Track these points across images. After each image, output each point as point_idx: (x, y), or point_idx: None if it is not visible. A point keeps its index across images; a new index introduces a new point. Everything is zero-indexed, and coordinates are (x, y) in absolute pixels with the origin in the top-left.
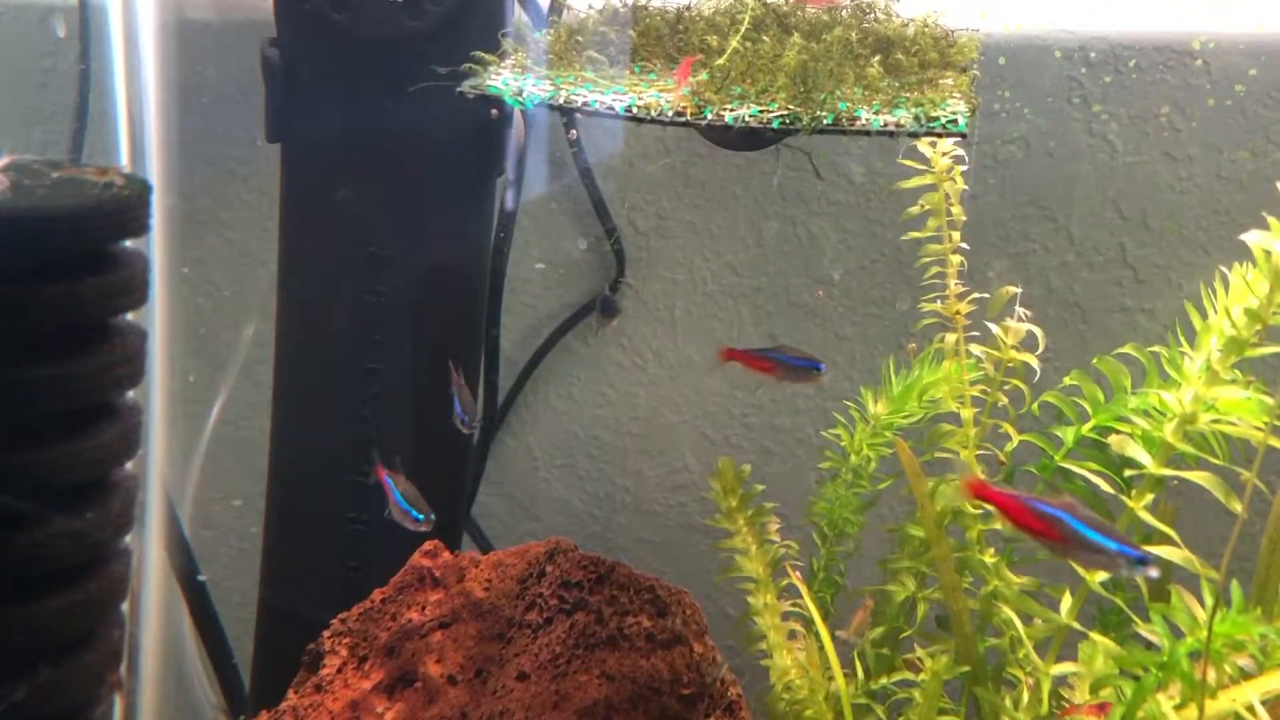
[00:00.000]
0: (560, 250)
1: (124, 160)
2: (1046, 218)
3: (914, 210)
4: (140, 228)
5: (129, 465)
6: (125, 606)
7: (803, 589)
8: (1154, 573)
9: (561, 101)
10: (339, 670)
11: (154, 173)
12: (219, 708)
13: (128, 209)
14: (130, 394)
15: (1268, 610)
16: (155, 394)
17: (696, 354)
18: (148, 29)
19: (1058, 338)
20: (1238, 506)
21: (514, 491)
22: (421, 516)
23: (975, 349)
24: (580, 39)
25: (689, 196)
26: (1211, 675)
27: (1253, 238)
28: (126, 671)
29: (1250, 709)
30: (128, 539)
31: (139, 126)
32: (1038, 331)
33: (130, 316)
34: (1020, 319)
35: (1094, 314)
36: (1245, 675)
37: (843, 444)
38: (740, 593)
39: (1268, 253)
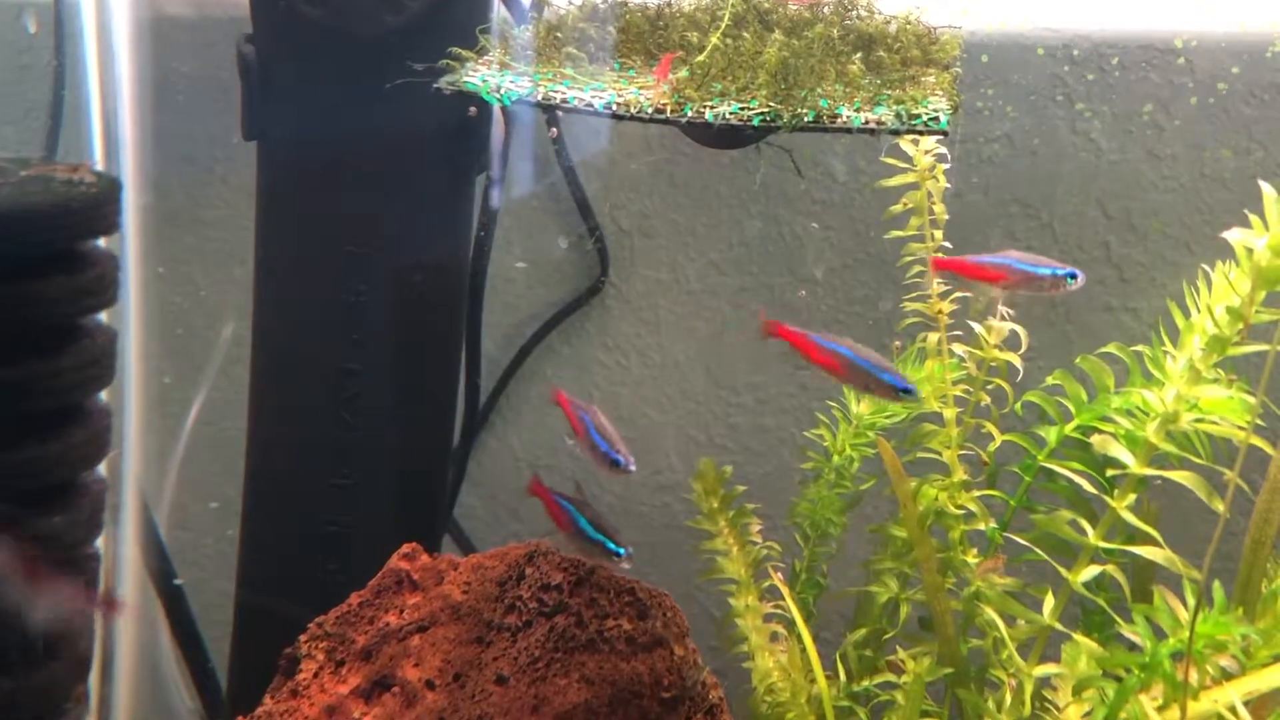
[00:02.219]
0: (542, 249)
1: (97, 157)
2: (1030, 216)
3: (896, 209)
4: (110, 226)
5: (99, 468)
6: (99, 613)
7: (784, 590)
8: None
9: (540, 98)
10: (315, 675)
11: (128, 170)
12: (196, 713)
13: (96, 207)
14: (101, 395)
15: (1250, 610)
16: (130, 395)
17: (680, 353)
18: (121, 25)
19: (1042, 337)
20: (1220, 506)
21: (497, 493)
22: (623, 551)
23: (958, 348)
24: (559, 35)
25: (672, 195)
26: (1194, 676)
27: (1234, 235)
28: (100, 677)
29: (1232, 709)
30: (97, 543)
31: (113, 123)
32: (1020, 330)
33: (103, 316)
34: (1003, 318)
35: (1078, 313)
36: (1228, 676)
37: (825, 444)
38: (725, 593)
39: (1249, 250)
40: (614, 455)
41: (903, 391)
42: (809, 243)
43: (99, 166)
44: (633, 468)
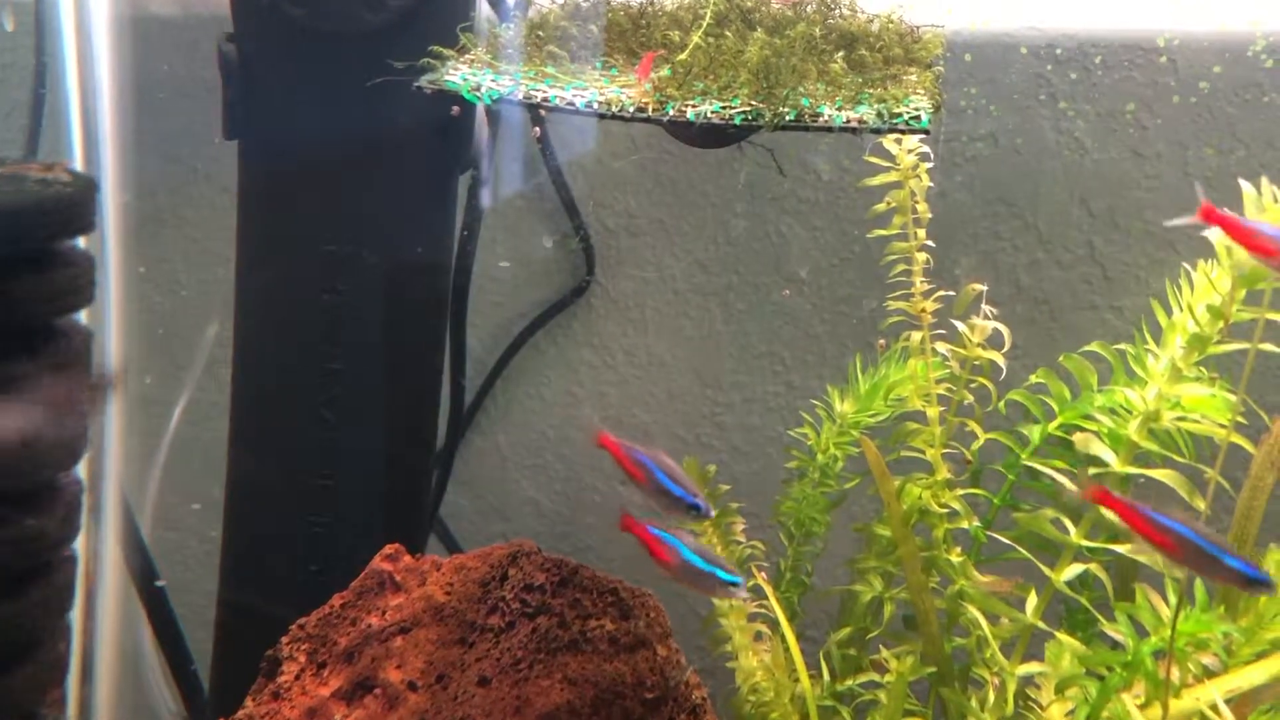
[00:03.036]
0: (528, 249)
1: (77, 157)
2: (1015, 215)
3: (880, 207)
4: (86, 225)
5: (76, 470)
6: (79, 614)
7: (768, 590)
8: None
9: (521, 97)
10: (297, 677)
11: (109, 170)
12: (178, 715)
13: (71, 207)
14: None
15: (1232, 608)
16: (111, 396)
17: (667, 353)
18: (101, 23)
19: (1027, 335)
20: (1201, 504)
21: (483, 492)
22: (739, 580)
23: (941, 347)
24: (541, 34)
25: (658, 194)
26: (1176, 674)
27: (1216, 234)
28: (80, 679)
29: (1214, 708)
30: (74, 546)
31: (93, 122)
32: (1004, 329)
33: (83, 317)
34: (986, 316)
35: (1063, 312)
36: (1210, 673)
37: (810, 443)
38: None
39: (1230, 249)
40: (692, 500)
41: (1257, 582)
42: (794, 242)
43: (79, 165)
44: (712, 513)
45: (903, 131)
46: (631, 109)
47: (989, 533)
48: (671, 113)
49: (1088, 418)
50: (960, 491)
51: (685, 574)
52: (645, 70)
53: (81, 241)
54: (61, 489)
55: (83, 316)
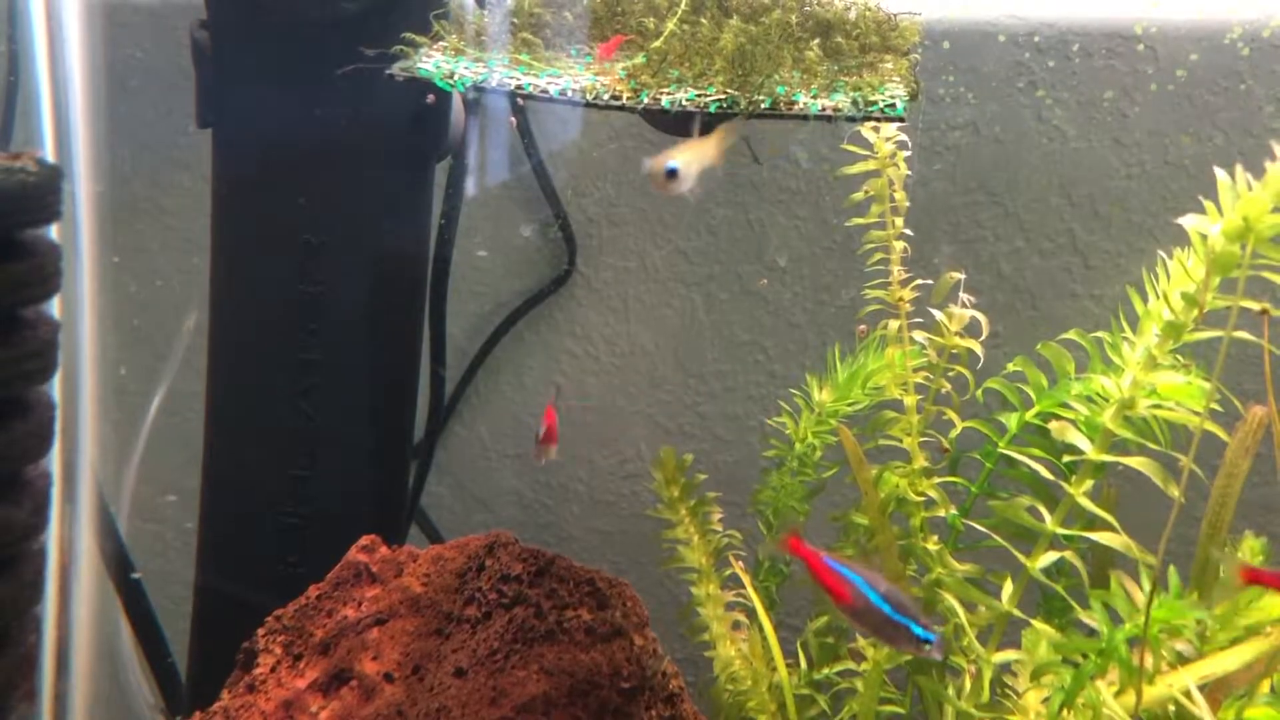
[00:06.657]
0: (508, 238)
1: (48, 145)
2: (995, 203)
3: (858, 196)
4: (50, 215)
5: (43, 462)
6: (55, 607)
7: (745, 579)
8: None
9: (494, 85)
10: (273, 669)
11: (80, 158)
12: (156, 707)
13: (35, 196)
14: (45, 388)
15: (1206, 594)
16: (84, 386)
17: (649, 342)
18: (72, 10)
19: (1008, 324)
20: (1175, 491)
21: (466, 482)
22: (932, 638)
23: (919, 335)
24: (516, 21)
25: (639, 183)
26: (1150, 661)
27: (1189, 221)
28: (56, 672)
29: (1188, 694)
30: (42, 539)
31: (64, 110)
32: (981, 317)
33: (55, 308)
34: (965, 305)
35: (1044, 300)
36: (1184, 660)
37: (788, 432)
38: (691, 581)
39: (1204, 236)
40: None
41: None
42: (774, 230)
43: (50, 154)
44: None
45: (878, 119)
46: (606, 96)
47: (966, 521)
48: (646, 100)
49: (1064, 406)
50: (937, 480)
51: (870, 621)
52: (608, 53)
53: (54, 232)
54: (29, 481)
55: (55, 308)
